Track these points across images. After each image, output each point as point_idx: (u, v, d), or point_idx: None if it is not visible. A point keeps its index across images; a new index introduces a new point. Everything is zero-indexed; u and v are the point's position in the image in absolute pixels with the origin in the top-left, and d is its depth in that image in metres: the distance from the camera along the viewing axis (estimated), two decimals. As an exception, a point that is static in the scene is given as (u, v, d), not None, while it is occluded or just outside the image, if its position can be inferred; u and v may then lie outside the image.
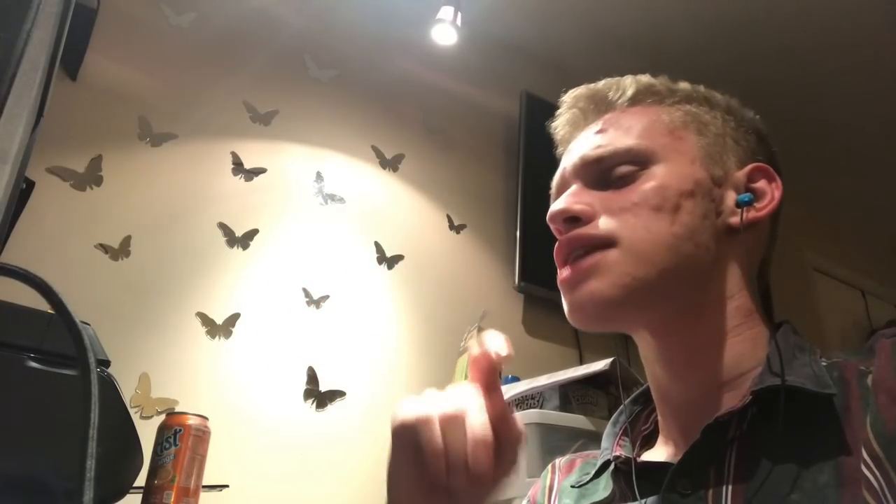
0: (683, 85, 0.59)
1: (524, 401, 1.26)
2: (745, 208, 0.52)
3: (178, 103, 1.93)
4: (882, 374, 0.43)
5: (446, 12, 2.12)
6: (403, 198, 2.23)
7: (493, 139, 2.48)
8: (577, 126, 0.60)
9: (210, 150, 1.94)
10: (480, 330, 1.48)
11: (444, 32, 2.17)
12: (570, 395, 1.20)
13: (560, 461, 0.67)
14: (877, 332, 0.48)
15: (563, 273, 0.53)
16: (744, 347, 0.50)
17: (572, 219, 0.52)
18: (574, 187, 0.55)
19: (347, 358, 1.91)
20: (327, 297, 1.94)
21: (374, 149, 2.23)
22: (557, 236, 0.54)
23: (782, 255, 3.00)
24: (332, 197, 2.08)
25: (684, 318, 0.51)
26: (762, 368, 0.47)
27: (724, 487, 0.44)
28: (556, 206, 0.54)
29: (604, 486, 0.55)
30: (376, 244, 2.10)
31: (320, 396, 1.83)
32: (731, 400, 0.48)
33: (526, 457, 1.06)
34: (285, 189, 2.01)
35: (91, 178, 1.72)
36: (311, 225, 2.01)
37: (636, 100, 0.57)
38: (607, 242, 0.50)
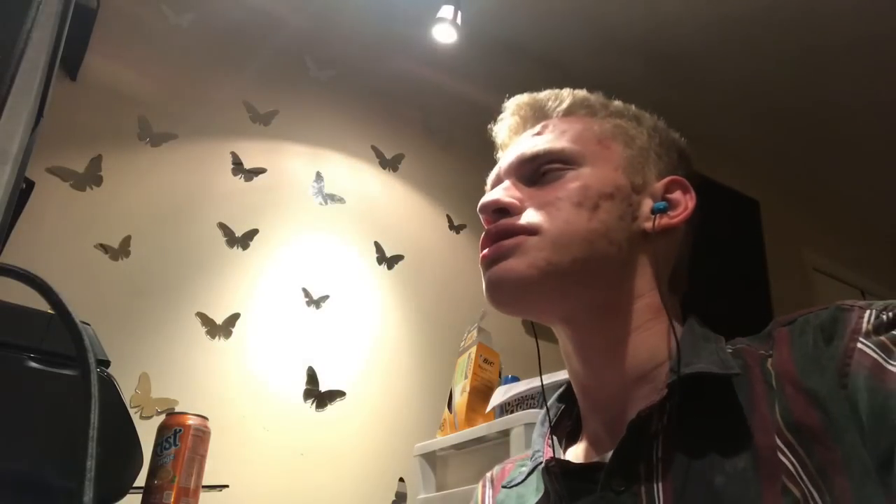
0: (616, 103, 0.64)
1: (524, 401, 1.25)
2: (658, 215, 0.56)
3: (178, 103, 1.93)
4: (785, 366, 0.47)
5: (446, 11, 2.12)
6: (403, 198, 2.23)
7: (493, 139, 2.48)
8: (516, 132, 0.65)
9: (210, 150, 1.94)
10: (480, 330, 1.48)
11: (445, 31, 2.17)
12: (570, 395, 1.20)
13: (491, 474, 0.68)
14: (774, 320, 0.52)
15: (486, 252, 0.56)
16: (655, 341, 0.54)
17: (501, 210, 0.57)
18: (506, 182, 0.59)
19: (347, 358, 1.91)
20: (327, 297, 1.94)
21: (374, 149, 2.23)
22: (486, 227, 0.58)
23: (782, 255, 3.02)
24: (332, 197, 2.08)
25: (598, 313, 0.55)
26: (672, 361, 0.50)
27: (655, 481, 0.46)
28: (486, 197, 0.58)
29: (536, 488, 0.57)
30: (376, 244, 2.10)
31: (320, 396, 1.83)
32: (648, 393, 0.51)
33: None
34: (285, 189, 2.01)
35: (91, 178, 1.72)
36: (311, 225, 2.01)
37: (571, 110, 0.62)
38: (530, 231, 0.54)
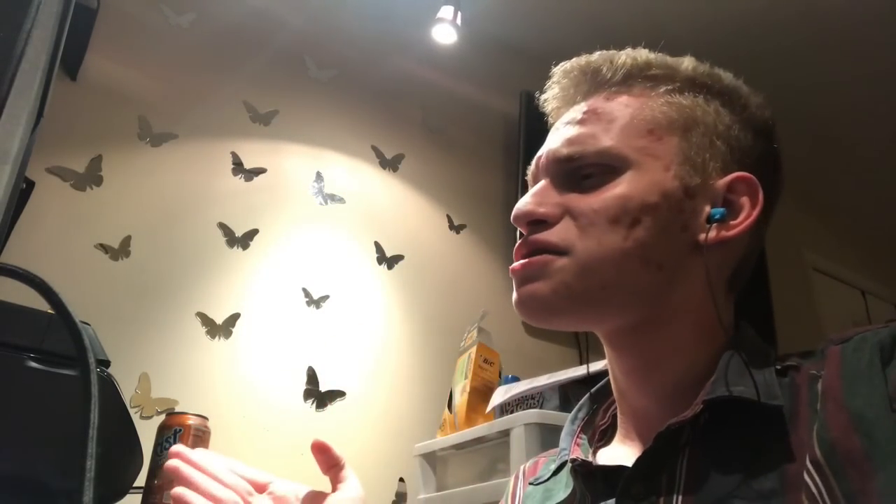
0: (685, 65, 0.56)
1: (524, 401, 1.25)
2: (713, 226, 0.50)
3: (178, 103, 1.93)
4: (830, 383, 0.44)
5: (446, 11, 2.12)
6: (403, 198, 2.23)
7: (493, 139, 2.48)
8: (565, 101, 0.59)
9: (210, 150, 1.94)
10: (480, 330, 1.48)
11: (444, 32, 2.17)
12: (569, 395, 1.20)
13: (524, 467, 0.67)
14: (828, 337, 0.48)
15: (515, 266, 0.53)
16: (701, 359, 0.51)
17: (536, 222, 0.53)
18: (542, 184, 0.55)
19: (347, 358, 1.91)
20: (327, 297, 1.94)
21: (374, 149, 2.23)
22: (520, 232, 0.55)
23: (782, 255, 3.02)
24: (332, 197, 2.08)
25: (637, 333, 0.52)
26: (714, 377, 0.47)
27: (675, 494, 0.45)
28: (520, 206, 0.54)
29: (565, 485, 0.56)
30: (376, 244, 2.10)
31: (320, 396, 1.83)
32: (687, 408, 0.48)
33: (526, 458, 1.06)
34: (285, 189, 2.01)
35: (91, 178, 1.72)
36: (311, 225, 2.01)
37: (627, 82, 0.55)
38: (562, 251, 0.51)
